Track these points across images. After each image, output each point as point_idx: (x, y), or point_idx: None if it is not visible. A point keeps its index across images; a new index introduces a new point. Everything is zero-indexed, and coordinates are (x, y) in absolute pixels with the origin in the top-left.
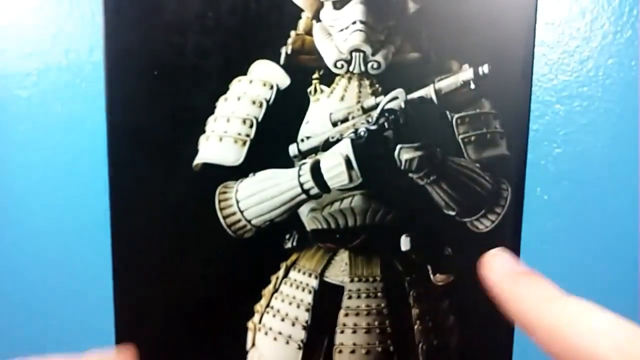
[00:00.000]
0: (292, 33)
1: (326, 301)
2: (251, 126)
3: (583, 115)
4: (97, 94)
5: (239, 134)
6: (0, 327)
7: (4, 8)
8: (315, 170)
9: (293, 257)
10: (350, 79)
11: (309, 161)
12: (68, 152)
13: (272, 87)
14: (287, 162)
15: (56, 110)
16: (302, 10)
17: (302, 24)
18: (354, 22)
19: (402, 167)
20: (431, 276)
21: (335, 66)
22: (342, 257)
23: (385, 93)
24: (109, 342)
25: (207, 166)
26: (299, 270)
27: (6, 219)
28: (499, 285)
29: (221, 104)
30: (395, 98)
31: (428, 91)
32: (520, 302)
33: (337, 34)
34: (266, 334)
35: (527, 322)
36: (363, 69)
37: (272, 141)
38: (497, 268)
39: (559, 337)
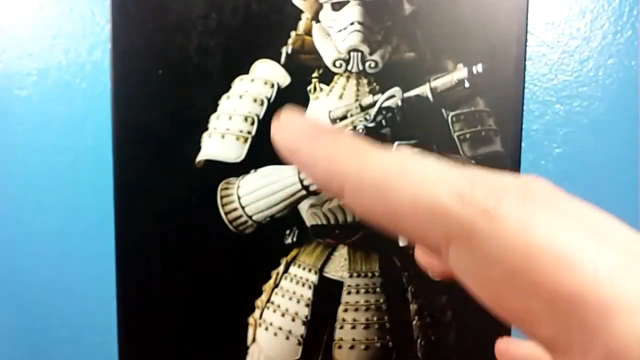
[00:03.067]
0: (293, 33)
1: (326, 296)
2: (252, 123)
3: (583, 115)
4: (97, 93)
5: (241, 131)
6: (1, 327)
7: (4, 8)
8: None
9: (293, 253)
10: (348, 77)
11: None
12: (68, 152)
13: (273, 86)
14: None
15: (56, 110)
16: (302, 12)
17: (302, 25)
18: (352, 23)
19: None
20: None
21: (334, 65)
22: (342, 253)
23: (382, 91)
24: (111, 337)
25: (209, 162)
26: (299, 266)
27: (6, 219)
28: (295, 145)
29: (224, 102)
30: (392, 96)
31: (424, 90)
32: (326, 160)
33: (335, 35)
34: (267, 329)
35: (336, 184)
36: (361, 68)
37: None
38: (292, 126)
39: (382, 195)
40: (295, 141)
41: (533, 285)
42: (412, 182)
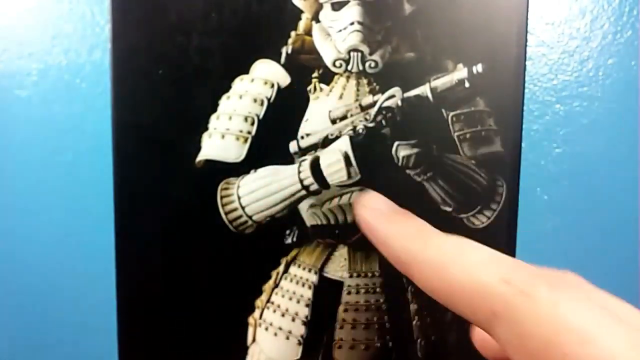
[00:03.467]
0: (293, 33)
1: (326, 296)
2: (252, 123)
3: (583, 115)
4: (97, 94)
5: (241, 131)
6: (1, 326)
7: (4, 8)
8: (315, 167)
9: (293, 253)
10: (348, 77)
11: (308, 158)
12: (68, 152)
13: (272, 86)
14: (287, 159)
15: (56, 110)
16: (302, 12)
17: (302, 25)
18: (352, 23)
19: (400, 164)
20: None
21: (334, 65)
22: (342, 253)
23: (382, 91)
24: (111, 338)
25: (209, 163)
26: (299, 266)
27: (6, 219)
28: (374, 223)
29: (223, 102)
30: (392, 96)
31: (424, 89)
32: (397, 239)
33: (335, 35)
34: (267, 329)
35: (403, 259)
36: (361, 68)
37: (273, 138)
38: (372, 207)
39: (439, 272)
40: (374, 220)
41: (562, 356)
42: (466, 264)
